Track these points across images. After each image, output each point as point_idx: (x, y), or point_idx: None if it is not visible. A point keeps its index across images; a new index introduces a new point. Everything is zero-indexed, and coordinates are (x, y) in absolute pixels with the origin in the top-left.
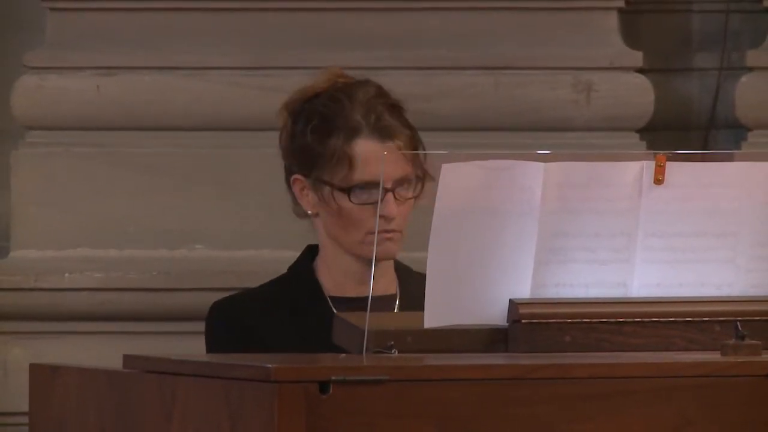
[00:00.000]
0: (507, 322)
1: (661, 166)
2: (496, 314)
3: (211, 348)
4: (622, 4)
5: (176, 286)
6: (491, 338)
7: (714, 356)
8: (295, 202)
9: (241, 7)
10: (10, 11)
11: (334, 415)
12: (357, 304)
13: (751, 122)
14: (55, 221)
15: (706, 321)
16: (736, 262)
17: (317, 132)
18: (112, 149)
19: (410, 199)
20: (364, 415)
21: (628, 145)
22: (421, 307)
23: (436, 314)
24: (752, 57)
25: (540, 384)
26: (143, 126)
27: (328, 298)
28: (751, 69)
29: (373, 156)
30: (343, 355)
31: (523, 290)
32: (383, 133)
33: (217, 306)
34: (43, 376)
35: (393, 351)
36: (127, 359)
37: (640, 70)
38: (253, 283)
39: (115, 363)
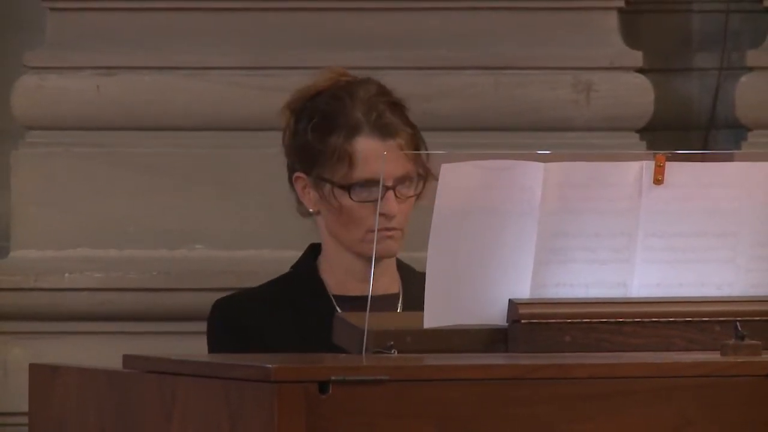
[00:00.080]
0: (507, 322)
1: (661, 166)
2: (496, 314)
3: (212, 346)
4: (622, 4)
5: (176, 286)
6: (491, 338)
7: (714, 356)
8: (299, 200)
9: (241, 7)
10: (10, 11)
11: (334, 415)
12: (360, 302)
13: (751, 122)
14: (55, 221)
15: (706, 321)
16: (736, 262)
17: (318, 130)
18: (112, 149)
19: (411, 197)
20: (364, 415)
21: (628, 145)
22: (423, 307)
23: (436, 314)
24: (752, 57)
25: (540, 384)
26: (143, 126)
27: (331, 296)
28: (751, 69)
29: (373, 154)
30: (343, 355)
31: (523, 290)
32: (384, 131)
33: (219, 304)
34: (43, 376)
35: (393, 351)
36: (127, 359)
37: (640, 70)
38: (253, 283)
39: (115, 363)
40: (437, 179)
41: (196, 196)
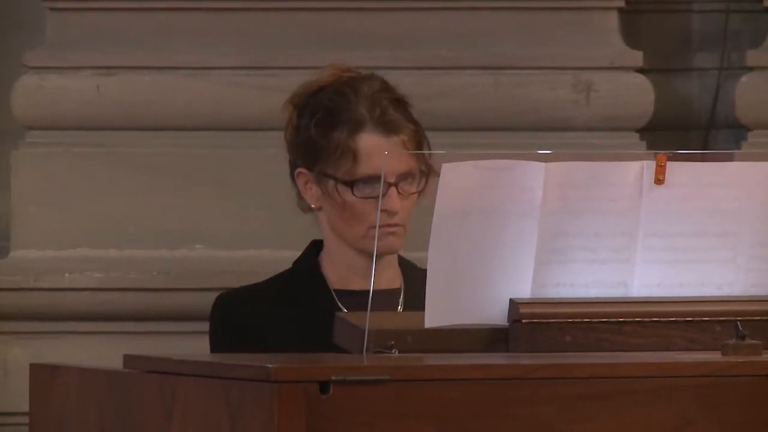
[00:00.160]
0: (507, 321)
1: (661, 166)
2: (496, 314)
3: (214, 342)
4: (622, 4)
5: (176, 286)
6: (491, 338)
7: (714, 356)
8: (300, 196)
9: (241, 7)
10: (10, 11)
11: (334, 415)
12: (362, 296)
13: (751, 122)
14: (55, 221)
15: (706, 321)
16: (737, 262)
17: (321, 125)
18: (112, 149)
19: (414, 193)
20: (364, 415)
21: (628, 145)
22: (424, 304)
23: (436, 314)
24: (752, 57)
25: (540, 384)
26: (143, 126)
27: (333, 292)
28: (751, 69)
29: (376, 150)
30: (344, 354)
31: (524, 290)
32: (387, 128)
33: (221, 299)
34: (43, 376)
35: (393, 351)
36: (127, 359)
37: (640, 70)
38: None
39: (115, 363)
40: (439, 176)
41: (196, 196)
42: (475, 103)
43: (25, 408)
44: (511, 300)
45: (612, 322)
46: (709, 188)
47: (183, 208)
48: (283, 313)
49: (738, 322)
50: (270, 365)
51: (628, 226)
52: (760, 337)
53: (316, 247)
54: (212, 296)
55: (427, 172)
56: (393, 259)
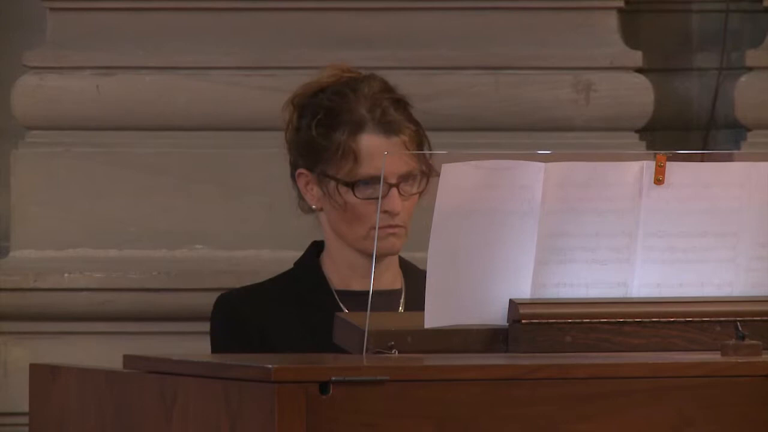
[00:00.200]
0: (507, 322)
1: (661, 166)
2: (496, 314)
3: (215, 342)
4: (622, 4)
5: (176, 286)
6: (491, 338)
7: (714, 356)
8: (300, 197)
9: (241, 7)
10: (11, 10)
11: (334, 415)
12: (363, 297)
13: (751, 122)
14: (55, 221)
15: (706, 321)
16: (737, 262)
17: (322, 126)
18: (112, 149)
19: (415, 194)
20: (364, 415)
21: (627, 145)
22: (424, 305)
23: (436, 314)
24: (752, 57)
25: (540, 384)
26: (143, 126)
27: (334, 292)
28: (750, 69)
29: (377, 151)
30: (344, 355)
31: (524, 290)
32: (388, 128)
33: (222, 300)
34: (43, 376)
35: (393, 351)
36: (127, 359)
37: (640, 70)
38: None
39: (115, 363)
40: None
41: (196, 196)
42: (475, 103)
43: (25, 408)
44: (510, 300)
45: (612, 323)
46: (709, 188)
47: (183, 208)
48: (284, 313)
49: (738, 323)
50: (270, 365)
51: (628, 226)
52: (760, 338)
53: (317, 247)
54: (212, 296)
55: (428, 173)
56: (394, 260)
